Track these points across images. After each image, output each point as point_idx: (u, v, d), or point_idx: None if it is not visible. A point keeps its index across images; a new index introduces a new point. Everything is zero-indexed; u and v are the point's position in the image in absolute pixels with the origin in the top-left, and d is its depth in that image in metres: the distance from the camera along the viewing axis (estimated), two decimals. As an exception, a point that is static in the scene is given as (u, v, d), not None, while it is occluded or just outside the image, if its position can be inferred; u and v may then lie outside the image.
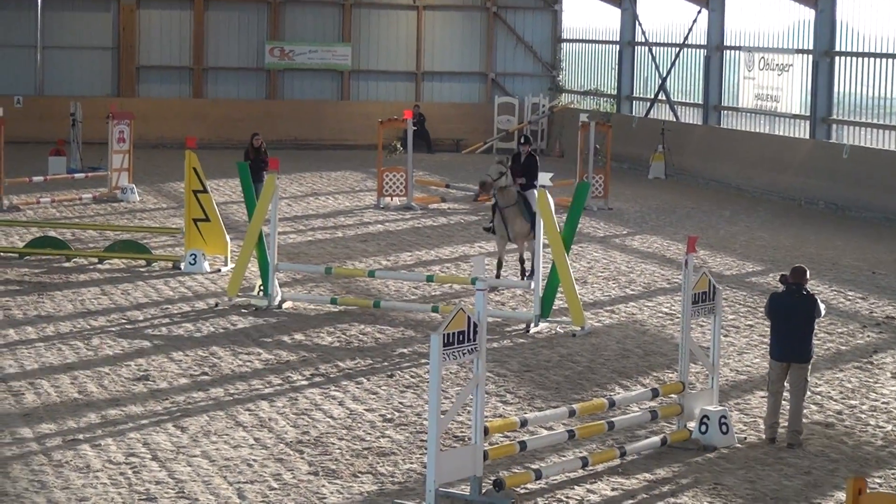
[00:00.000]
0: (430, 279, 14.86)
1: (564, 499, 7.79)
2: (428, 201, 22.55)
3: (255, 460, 8.39)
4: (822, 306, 9.37)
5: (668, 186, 26.06)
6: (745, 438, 9.28)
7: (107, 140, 21.78)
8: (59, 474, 7.95)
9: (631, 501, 7.88)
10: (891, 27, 23.35)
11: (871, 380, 11.55)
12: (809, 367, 9.26)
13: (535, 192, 13.50)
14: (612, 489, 8.00)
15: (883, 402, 10.63)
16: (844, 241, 19.88)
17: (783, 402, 9.13)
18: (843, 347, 12.69)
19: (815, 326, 9.52)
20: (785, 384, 9.13)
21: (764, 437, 9.16)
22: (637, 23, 30.09)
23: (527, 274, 14.60)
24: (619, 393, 10.20)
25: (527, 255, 14.78)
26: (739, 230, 20.69)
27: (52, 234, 16.94)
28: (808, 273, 9.31)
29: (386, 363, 11.50)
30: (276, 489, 7.79)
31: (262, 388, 10.49)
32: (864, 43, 24.21)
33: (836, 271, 16.83)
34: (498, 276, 14.81)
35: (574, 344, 12.50)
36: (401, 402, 10.02)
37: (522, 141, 16.20)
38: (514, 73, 32.73)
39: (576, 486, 8.01)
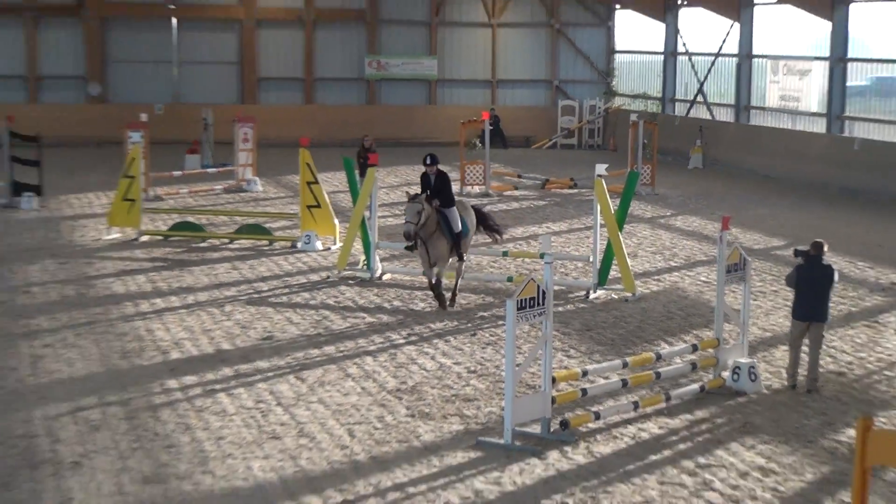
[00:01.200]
0: (504, 254, 14.01)
1: (619, 436, 7.55)
2: (503, 189, 22.13)
3: (361, 405, 8.22)
4: (836, 275, 8.98)
5: (705, 175, 24.89)
6: (771, 385, 8.93)
7: (233, 140, 21.69)
8: (200, 417, 7.91)
9: (675, 437, 7.62)
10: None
11: (877, 336, 11.04)
12: (825, 325, 8.94)
13: (455, 208, 11.74)
14: (659, 427, 7.76)
15: (887, 355, 10.21)
16: (856, 220, 18.74)
17: (802, 355, 8.83)
18: (854, 309, 12.09)
19: (831, 293, 9.08)
20: (804, 340, 8.79)
21: (786, 384, 8.85)
22: (678, 36, 29.02)
23: (448, 304, 11.54)
24: (664, 348, 9.79)
25: (447, 282, 11.72)
26: (766, 212, 19.51)
27: (189, 219, 16.64)
28: (825, 246, 8.90)
29: (469, 324, 11.17)
30: (379, 429, 7.66)
31: (366, 346, 10.24)
32: (873, 51, 23.85)
33: (847, 245, 15.78)
34: (438, 298, 11.55)
35: (626, 307, 12.02)
36: (482, 357, 9.76)
37: (428, 162, 11.88)
38: (574, 79, 31.75)
39: (629, 426, 7.76)
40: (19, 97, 28.43)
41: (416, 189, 11.84)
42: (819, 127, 24.11)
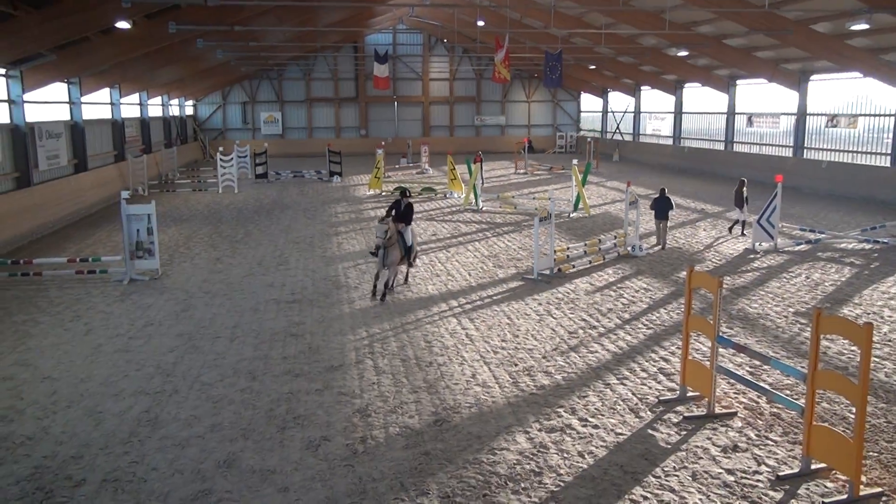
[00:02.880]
0: (533, 198, 24.26)
1: (582, 275, 16.95)
2: (533, 171, 33.29)
3: (475, 262, 17.87)
4: (672, 201, 19.31)
5: (620, 164, 39.69)
6: (650, 252, 18.66)
7: (420, 153, 38.20)
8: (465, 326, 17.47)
9: (606, 275, 16.92)
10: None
11: (695, 231, 21.08)
12: (667, 222, 19.21)
13: (410, 228, 15.42)
14: (600, 273, 17.18)
15: (700, 240, 20.14)
16: (690, 181, 29.97)
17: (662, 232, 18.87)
18: (683, 220, 22.49)
19: (670, 212, 19.20)
20: (661, 229, 19.00)
21: (656, 248, 18.68)
22: (608, 104, 50.91)
23: (379, 295, 14.68)
24: (602, 236, 19.26)
25: (393, 278, 15.18)
26: (646, 178, 31.54)
27: (403, 185, 29.06)
28: (665, 190, 19.11)
29: (516, 231, 21.22)
30: (480, 271, 17.24)
31: (473, 240, 20.09)
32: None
33: (679, 190, 26.46)
34: (374, 288, 14.82)
35: (586, 220, 22.46)
36: (524, 243, 19.58)
37: (398, 196, 15.86)
38: (562, 124, 57.52)
39: (587, 273, 17.09)
40: (331, 135, 53.91)
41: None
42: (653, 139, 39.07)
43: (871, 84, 28.76)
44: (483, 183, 29.58)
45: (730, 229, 21.42)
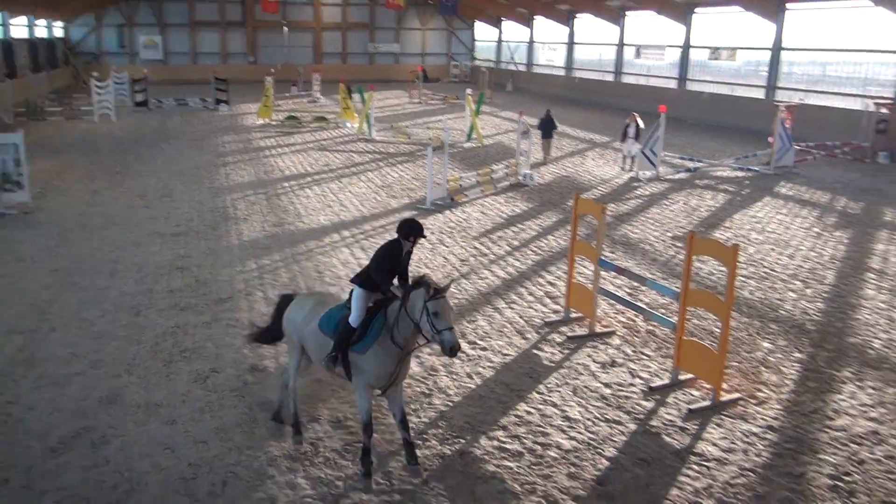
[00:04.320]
0: (428, 128, 24.03)
1: (474, 203, 17.29)
2: (427, 100, 32.77)
3: (369, 192, 17.93)
4: (556, 122, 20.18)
5: (514, 94, 38.95)
6: (539, 181, 19.07)
7: (311, 80, 45.63)
8: (299, 197, 17.32)
9: (497, 202, 17.28)
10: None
11: (583, 161, 21.79)
12: (553, 140, 19.91)
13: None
14: (491, 199, 17.60)
15: (588, 170, 20.82)
16: (577, 111, 30.49)
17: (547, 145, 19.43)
18: (566, 149, 23.17)
19: (553, 132, 19.81)
20: (547, 146, 19.64)
21: (542, 162, 19.18)
22: (501, 34, 39.88)
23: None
24: (496, 165, 19.51)
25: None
26: (530, 105, 31.84)
27: (293, 114, 29.87)
28: (551, 111, 19.89)
29: (411, 162, 21.22)
30: (373, 201, 17.31)
31: (366, 170, 19.96)
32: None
33: (565, 119, 27.30)
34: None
35: (480, 149, 22.84)
36: (419, 173, 19.61)
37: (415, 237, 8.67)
38: (457, 53, 56.54)
39: (479, 200, 17.46)
40: (217, 62, 51.43)
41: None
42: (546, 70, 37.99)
43: (750, 18, 29.95)
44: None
45: (624, 166, 21.35)
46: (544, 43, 48.08)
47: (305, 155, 22.43)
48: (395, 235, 6.58)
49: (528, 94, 44.12)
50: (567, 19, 43.09)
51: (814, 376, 8.63)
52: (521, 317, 10.31)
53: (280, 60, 52.01)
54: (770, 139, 21.63)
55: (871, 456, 7.02)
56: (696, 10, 33.26)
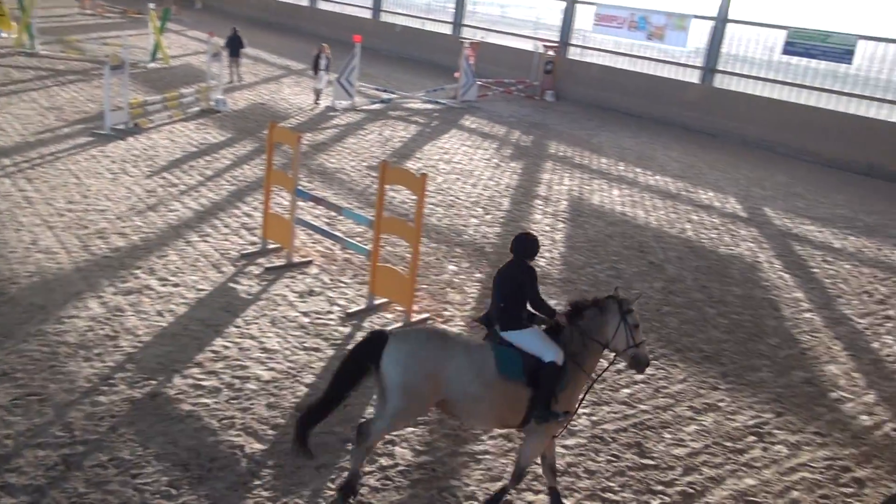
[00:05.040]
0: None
1: (161, 130, 16.12)
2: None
3: (34, 116, 15.63)
4: (245, 42, 18.75)
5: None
6: (233, 108, 18.31)
7: None
8: None
9: (168, 128, 16.42)
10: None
11: (278, 88, 21.24)
12: (242, 59, 18.61)
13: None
14: (181, 125, 16.51)
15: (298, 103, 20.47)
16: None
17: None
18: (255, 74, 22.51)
19: (244, 46, 18.74)
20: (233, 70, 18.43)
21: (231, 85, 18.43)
22: None
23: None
24: (186, 88, 18.20)
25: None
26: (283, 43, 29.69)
27: None
28: (238, 29, 18.35)
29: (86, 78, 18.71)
30: (38, 133, 15.18)
31: (28, 88, 17.26)
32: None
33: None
34: None
35: (166, 70, 21.07)
36: (98, 94, 17.50)
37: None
38: None
39: (167, 126, 16.32)
40: None
41: None
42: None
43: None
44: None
45: (318, 101, 20.65)
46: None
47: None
48: (512, 256, 5.66)
49: (219, 14, 41.06)
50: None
51: (489, 293, 9.61)
52: (216, 250, 9.97)
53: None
54: (456, 74, 23.05)
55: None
56: (390, -60, 33.77)
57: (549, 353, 5.43)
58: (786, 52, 21.56)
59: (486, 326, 5.78)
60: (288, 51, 29.72)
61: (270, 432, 6.38)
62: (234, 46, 21.81)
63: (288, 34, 35.75)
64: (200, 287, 8.88)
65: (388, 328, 7.92)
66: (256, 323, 8.19)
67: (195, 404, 6.62)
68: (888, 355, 9.21)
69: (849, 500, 6.49)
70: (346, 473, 5.74)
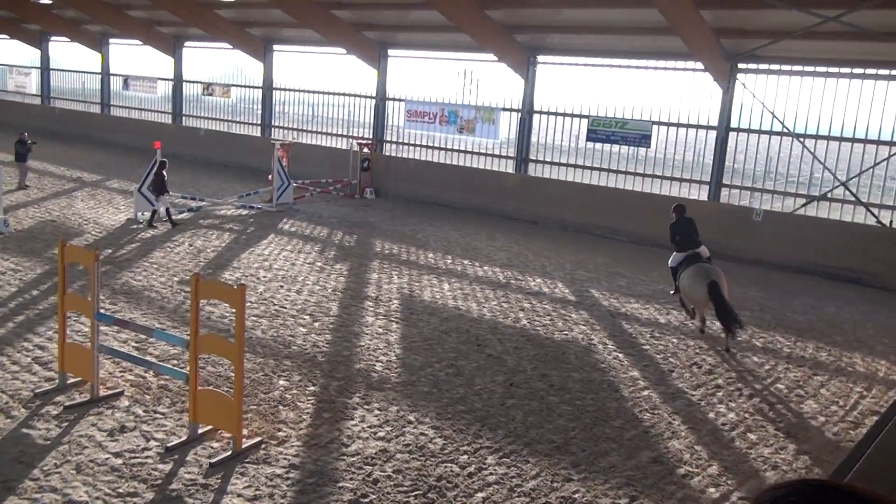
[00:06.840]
0: None
1: None
2: None
3: None
4: (29, 145, 17.60)
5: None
6: (15, 229, 16.95)
7: None
8: None
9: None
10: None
11: None
12: (27, 163, 17.47)
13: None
14: None
15: None
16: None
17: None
18: None
19: (30, 150, 17.62)
20: None
21: None
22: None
23: None
24: None
25: None
26: None
27: None
28: (25, 133, 17.52)
29: None
30: None
31: None
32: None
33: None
34: None
35: None
36: None
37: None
38: None
39: None
40: None
41: None
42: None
43: (241, 56, 31.42)
44: None
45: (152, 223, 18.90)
46: (13, 66, 43.15)
47: None
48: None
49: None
50: (39, 42, 39.52)
51: (328, 406, 9.32)
52: (3, 391, 8.97)
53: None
54: (269, 177, 22.95)
55: (382, 473, 7.82)
56: (186, 43, 33.63)
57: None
58: (589, 138, 23.55)
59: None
60: (79, 161, 28.34)
61: None
62: (22, 152, 22.61)
63: (78, 143, 34.19)
64: (-16, 438, 7.90)
65: None
66: (58, 472, 7.35)
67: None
68: (724, 424, 9.86)
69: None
70: None
